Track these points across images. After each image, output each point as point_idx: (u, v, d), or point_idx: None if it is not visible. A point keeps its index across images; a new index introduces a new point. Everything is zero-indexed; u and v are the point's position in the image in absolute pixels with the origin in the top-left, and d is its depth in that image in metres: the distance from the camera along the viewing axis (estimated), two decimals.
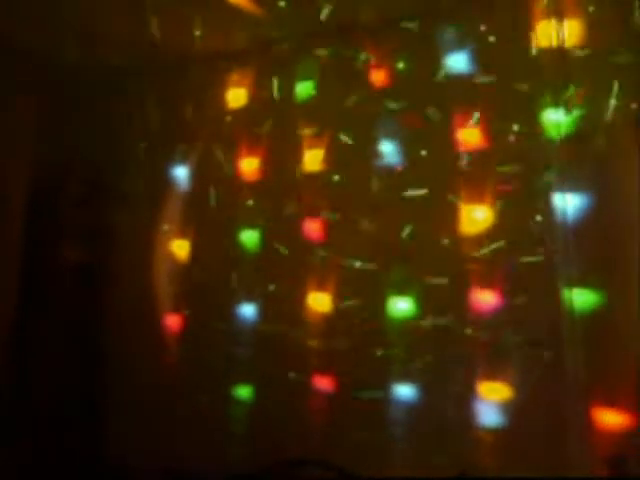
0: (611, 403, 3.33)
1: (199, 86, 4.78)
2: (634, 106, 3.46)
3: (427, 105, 3.94)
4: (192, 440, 4.28)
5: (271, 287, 4.27)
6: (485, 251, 3.71)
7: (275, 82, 4.49)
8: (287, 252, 4.26)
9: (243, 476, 3.93)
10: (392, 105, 4.05)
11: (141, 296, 4.73)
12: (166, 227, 4.77)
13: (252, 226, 4.42)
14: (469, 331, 3.68)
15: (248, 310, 4.38)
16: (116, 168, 5.01)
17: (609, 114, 3.49)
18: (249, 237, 4.43)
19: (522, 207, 3.63)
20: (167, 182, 4.85)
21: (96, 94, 4.99)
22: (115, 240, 4.97)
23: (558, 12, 3.71)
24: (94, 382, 4.76)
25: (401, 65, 4.06)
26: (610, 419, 3.31)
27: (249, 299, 4.38)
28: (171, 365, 4.54)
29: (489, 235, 3.72)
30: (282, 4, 3.97)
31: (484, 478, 3.49)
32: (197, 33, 4.29)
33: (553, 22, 3.71)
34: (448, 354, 3.71)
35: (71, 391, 4.60)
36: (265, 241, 4.39)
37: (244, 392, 4.29)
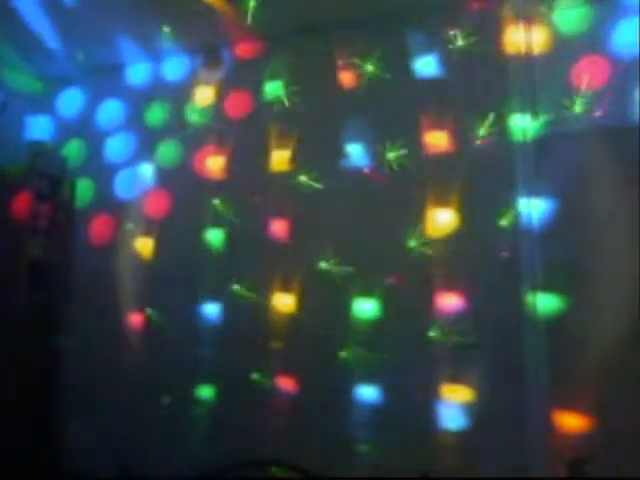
0: (571, 406, 3.37)
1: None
2: (599, 113, 3.52)
3: (395, 107, 3.96)
4: (153, 440, 4.25)
5: (235, 287, 4.25)
6: (450, 254, 3.73)
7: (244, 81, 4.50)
8: (252, 252, 4.25)
9: (205, 477, 3.90)
10: (360, 106, 4.06)
11: (102, 294, 4.67)
12: (130, 225, 4.72)
13: (217, 225, 4.39)
14: (433, 333, 3.70)
15: (212, 309, 4.34)
16: None
17: (575, 120, 3.54)
18: (214, 236, 4.40)
19: (488, 211, 3.66)
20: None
21: None
22: (77, 236, 4.90)
23: (526, 19, 3.76)
24: (50, 381, 4.70)
25: (370, 67, 4.07)
26: (570, 422, 3.35)
27: (213, 298, 4.35)
28: (132, 364, 4.49)
29: (454, 238, 3.74)
30: (252, 3, 3.96)
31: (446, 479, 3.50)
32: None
33: (521, 28, 3.75)
34: (411, 356, 3.72)
35: (26, 391, 4.52)
36: (230, 240, 4.36)
37: (207, 392, 4.26)
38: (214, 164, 4.50)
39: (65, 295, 4.85)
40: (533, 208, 3.59)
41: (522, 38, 3.76)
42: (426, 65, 3.97)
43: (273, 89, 4.37)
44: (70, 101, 5.19)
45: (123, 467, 4.11)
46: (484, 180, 3.70)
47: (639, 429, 3.19)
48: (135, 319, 4.60)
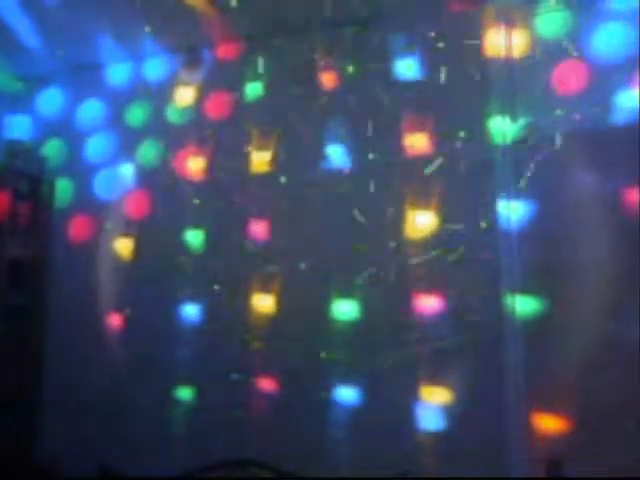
0: (549, 407, 3.38)
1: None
2: (577, 116, 3.54)
3: (375, 109, 3.97)
4: (133, 440, 4.23)
5: (215, 287, 4.24)
6: (429, 256, 3.74)
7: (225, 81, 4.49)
8: (232, 252, 4.24)
9: (184, 477, 3.89)
10: (341, 108, 4.07)
11: (81, 294, 4.65)
12: (109, 225, 4.70)
13: (197, 226, 4.39)
14: (412, 335, 3.70)
15: (191, 310, 4.33)
16: None
17: (553, 123, 3.56)
18: (194, 237, 4.39)
19: (466, 213, 3.67)
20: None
21: None
22: (56, 236, 4.88)
23: (507, 22, 3.78)
24: (30, 381, 4.67)
25: (350, 68, 4.08)
26: (547, 422, 3.37)
27: (193, 299, 4.34)
28: (112, 364, 4.47)
29: (433, 240, 3.75)
30: (234, 3, 3.96)
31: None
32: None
33: (502, 31, 3.77)
34: (390, 357, 3.73)
35: (6, 391, 4.51)
36: (210, 241, 4.35)
37: (186, 393, 4.25)
38: (194, 164, 4.48)
39: (44, 295, 4.82)
40: (512, 210, 3.60)
41: (503, 41, 3.78)
42: (407, 67, 3.97)
43: (253, 90, 4.36)
44: (50, 100, 5.16)
45: (102, 467, 4.09)
46: (464, 182, 3.71)
47: (616, 430, 3.21)
48: (115, 319, 4.57)
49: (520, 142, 3.65)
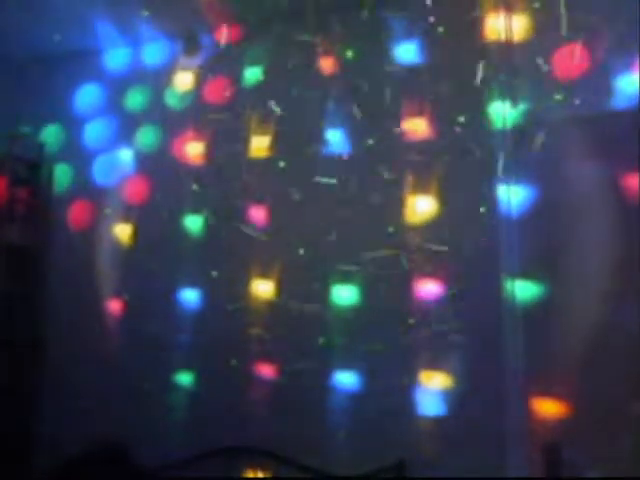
0: (548, 392, 3.39)
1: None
2: (577, 101, 3.52)
3: (374, 94, 3.95)
4: (132, 426, 4.22)
5: (214, 273, 4.24)
6: (429, 241, 3.73)
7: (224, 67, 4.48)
8: (231, 238, 4.24)
9: (181, 462, 3.90)
10: (339, 93, 4.05)
11: (81, 280, 4.65)
12: (108, 211, 4.69)
13: (196, 211, 4.38)
14: (411, 320, 3.70)
15: (191, 296, 4.33)
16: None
17: (553, 108, 3.55)
18: (193, 222, 4.38)
19: (467, 198, 3.66)
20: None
21: None
22: (55, 222, 4.88)
23: (507, 6, 3.76)
24: (28, 366, 4.68)
25: (350, 53, 4.06)
26: (547, 407, 3.38)
27: (192, 285, 4.34)
28: (111, 349, 4.48)
29: (433, 225, 3.75)
30: None
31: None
32: None
33: (501, 16, 3.75)
34: (390, 342, 3.73)
35: (5, 377, 4.52)
36: (209, 226, 4.35)
37: (185, 378, 4.26)
38: (193, 150, 4.48)
39: (43, 282, 4.82)
40: (512, 195, 3.59)
41: (502, 25, 3.76)
42: (406, 51, 3.96)
43: (253, 74, 4.35)
44: (48, 85, 5.14)
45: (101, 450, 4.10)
46: (463, 167, 3.70)
47: (616, 414, 3.22)
48: (114, 305, 4.58)
49: (520, 127, 3.64)
